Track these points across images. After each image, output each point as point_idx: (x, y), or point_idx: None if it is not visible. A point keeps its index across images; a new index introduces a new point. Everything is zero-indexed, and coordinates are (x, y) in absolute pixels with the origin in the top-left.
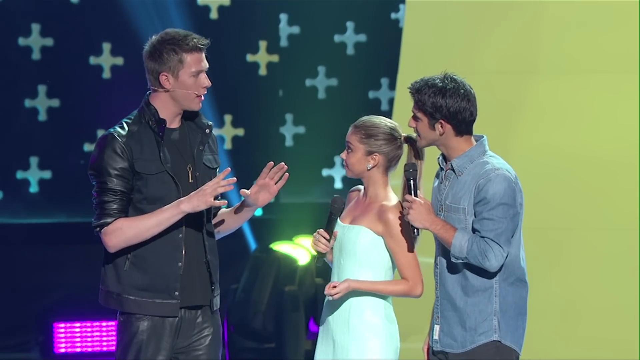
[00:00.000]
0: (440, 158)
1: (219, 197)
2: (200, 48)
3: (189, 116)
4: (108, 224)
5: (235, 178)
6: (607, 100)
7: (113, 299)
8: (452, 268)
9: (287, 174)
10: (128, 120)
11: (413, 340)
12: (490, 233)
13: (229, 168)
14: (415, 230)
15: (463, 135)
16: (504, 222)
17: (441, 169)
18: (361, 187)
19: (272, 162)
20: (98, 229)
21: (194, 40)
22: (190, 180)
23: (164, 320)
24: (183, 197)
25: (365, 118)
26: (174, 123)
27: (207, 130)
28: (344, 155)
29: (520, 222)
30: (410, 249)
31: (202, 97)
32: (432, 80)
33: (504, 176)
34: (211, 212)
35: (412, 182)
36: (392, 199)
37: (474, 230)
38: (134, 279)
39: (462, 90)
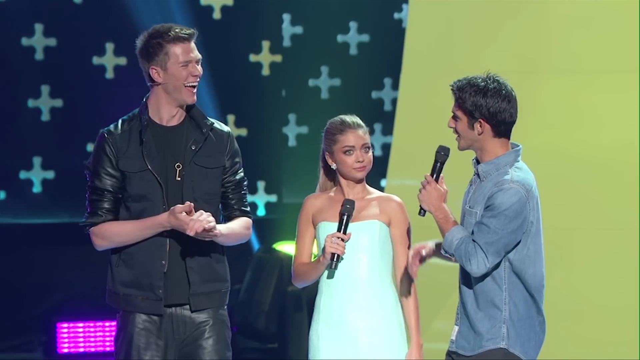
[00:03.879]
0: (474, 161)
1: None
2: (183, 38)
3: (194, 116)
4: (95, 224)
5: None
6: (610, 100)
7: (110, 296)
8: (467, 273)
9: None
10: (125, 118)
11: None
12: (481, 239)
13: (191, 204)
14: (422, 210)
15: (501, 137)
16: (499, 233)
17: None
18: (319, 194)
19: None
20: (87, 227)
21: (176, 30)
22: (177, 178)
23: (154, 316)
24: (168, 195)
25: (355, 117)
26: (172, 121)
27: (204, 130)
28: (366, 156)
29: (536, 239)
30: (410, 238)
31: (194, 89)
32: (475, 80)
33: (516, 190)
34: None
35: (438, 164)
36: (377, 191)
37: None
38: (122, 276)
39: (503, 91)
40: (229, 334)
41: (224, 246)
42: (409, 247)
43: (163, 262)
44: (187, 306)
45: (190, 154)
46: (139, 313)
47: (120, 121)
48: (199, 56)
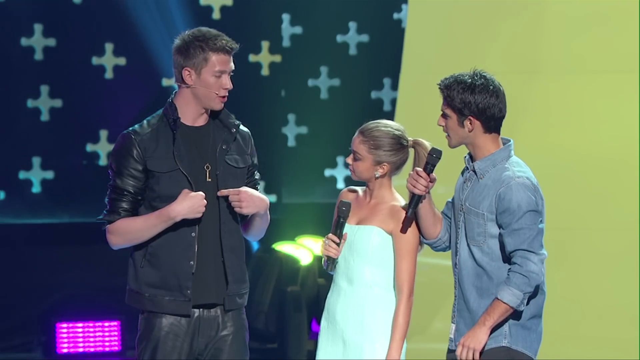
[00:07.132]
0: (467, 157)
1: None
2: (228, 50)
3: (217, 115)
4: (111, 222)
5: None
6: (611, 100)
7: (132, 296)
8: (470, 270)
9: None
10: (150, 119)
11: (416, 341)
12: (523, 243)
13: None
14: (410, 210)
15: (491, 132)
16: (534, 228)
17: (466, 168)
18: (357, 188)
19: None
20: (104, 225)
21: (223, 41)
22: (208, 179)
23: (180, 319)
24: None
25: (372, 125)
26: (198, 121)
27: (233, 130)
28: (350, 160)
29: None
30: (415, 253)
31: (225, 98)
32: (462, 77)
33: (524, 184)
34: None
35: (429, 166)
36: (400, 199)
37: (503, 243)
38: (148, 276)
39: (491, 87)
40: (247, 337)
41: (245, 247)
42: (413, 260)
43: (191, 262)
44: (215, 308)
45: (222, 154)
46: (165, 315)
47: (145, 122)
48: (233, 68)
